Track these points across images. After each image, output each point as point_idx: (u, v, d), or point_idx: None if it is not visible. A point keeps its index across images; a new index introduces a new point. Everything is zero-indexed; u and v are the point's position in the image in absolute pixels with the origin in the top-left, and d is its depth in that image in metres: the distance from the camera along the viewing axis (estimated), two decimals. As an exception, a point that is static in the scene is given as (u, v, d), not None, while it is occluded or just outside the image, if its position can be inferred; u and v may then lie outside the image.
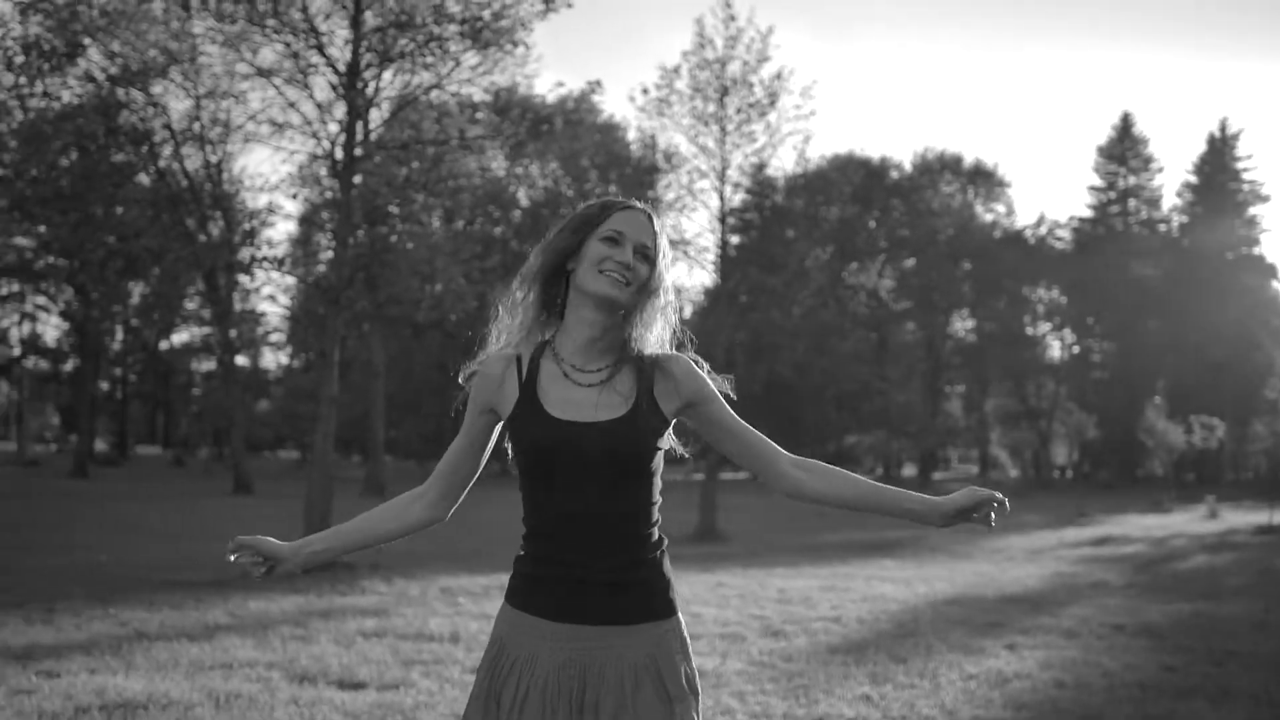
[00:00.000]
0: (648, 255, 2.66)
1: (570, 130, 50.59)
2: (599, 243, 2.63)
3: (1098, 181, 70.41)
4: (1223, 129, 70.61)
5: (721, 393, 2.74)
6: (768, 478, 2.73)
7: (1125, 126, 70.16)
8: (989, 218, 70.43)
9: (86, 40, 16.57)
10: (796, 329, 53.94)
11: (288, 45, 15.36)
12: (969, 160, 70.09)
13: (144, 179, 21.53)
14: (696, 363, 2.74)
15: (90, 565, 14.06)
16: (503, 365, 2.70)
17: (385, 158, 15.93)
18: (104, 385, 67.82)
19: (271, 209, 21.65)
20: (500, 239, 53.57)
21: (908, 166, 69.84)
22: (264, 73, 16.43)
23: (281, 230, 58.02)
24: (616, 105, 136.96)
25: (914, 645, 9.30)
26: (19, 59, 14.30)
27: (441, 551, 17.30)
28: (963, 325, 71.31)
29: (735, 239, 58.95)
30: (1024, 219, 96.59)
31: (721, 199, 26.09)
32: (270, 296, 25.85)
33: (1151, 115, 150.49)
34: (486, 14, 15.39)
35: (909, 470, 78.35)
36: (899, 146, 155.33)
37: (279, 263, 15.19)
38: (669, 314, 2.75)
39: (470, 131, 16.34)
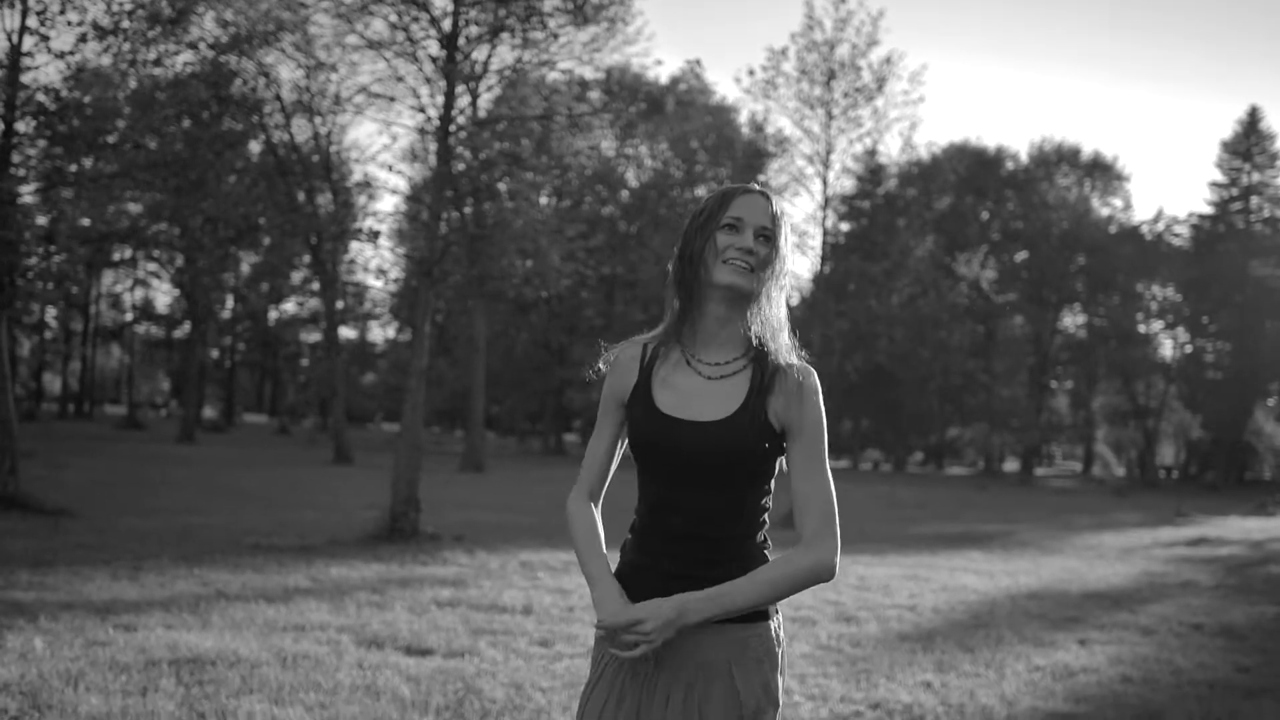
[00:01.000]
0: (768, 237, 2.61)
1: (682, 111, 50.65)
2: (721, 233, 2.60)
3: (1220, 177, 68.24)
4: (1355, 126, 68.17)
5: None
6: None
7: (1252, 121, 67.88)
8: (1105, 212, 68.69)
9: (200, 8, 16.84)
10: (894, 318, 53.34)
11: (399, 16, 15.44)
12: (1087, 152, 68.52)
13: (254, 147, 21.87)
14: (813, 386, 2.61)
15: (183, 527, 14.34)
16: (630, 356, 2.72)
17: (489, 134, 15.95)
18: (213, 353, 69.32)
19: (369, 181, 21.80)
20: (607, 219, 53.65)
21: (1024, 157, 68.57)
22: (374, 45, 16.55)
23: (389, 204, 58.77)
24: (727, 89, 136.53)
25: (985, 636, 9.18)
26: (126, 23, 14.51)
27: (527, 525, 17.38)
28: (1073, 320, 69.80)
29: (845, 226, 58.69)
30: (1141, 214, 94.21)
31: (824, 184, 25.68)
32: (381, 270, 26.02)
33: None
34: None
35: (1010, 465, 77.17)
36: (1015, 136, 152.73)
37: (374, 235, 15.26)
38: (785, 290, 2.68)
39: (577, 109, 16.30)
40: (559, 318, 51.11)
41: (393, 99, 17.76)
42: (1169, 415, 61.30)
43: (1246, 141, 67.80)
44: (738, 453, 2.52)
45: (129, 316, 70.41)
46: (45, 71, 59.32)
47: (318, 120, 26.09)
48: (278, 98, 22.92)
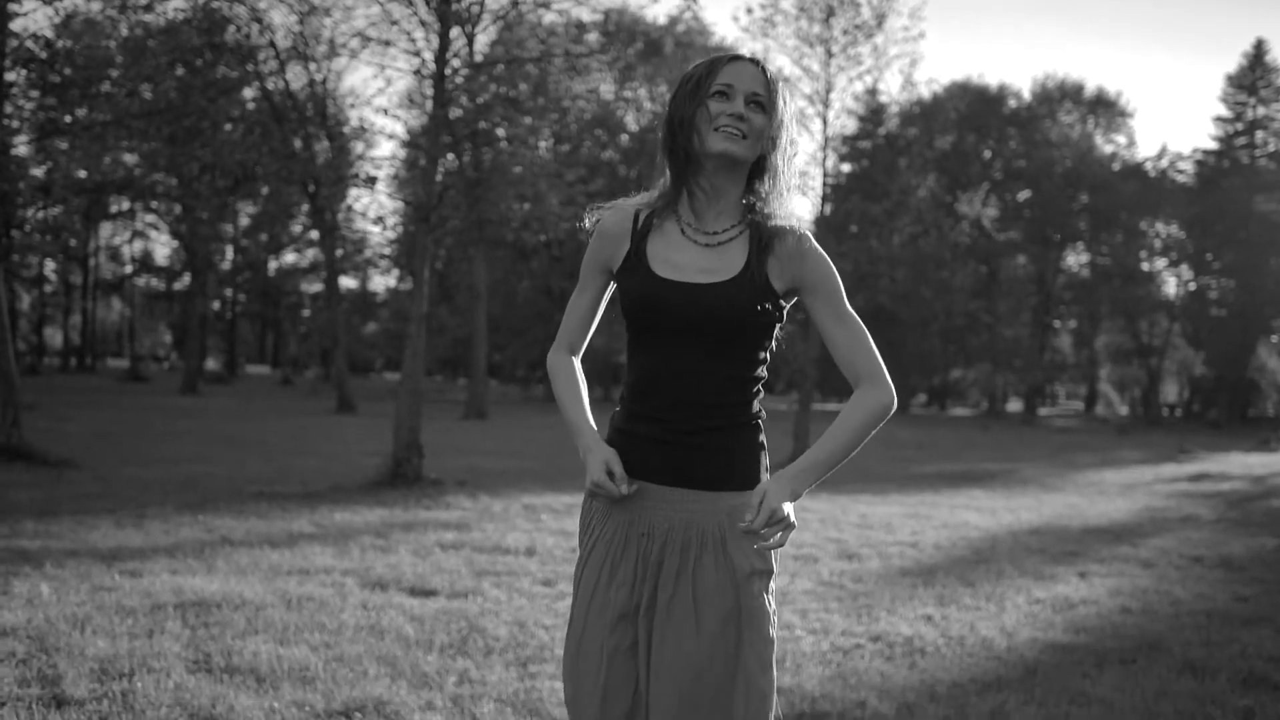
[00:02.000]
0: (761, 104, 2.55)
1: (680, 53, 50.19)
2: (711, 100, 2.54)
3: (1225, 112, 67.65)
4: (1361, 59, 67.43)
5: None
6: None
7: (1258, 54, 67.07)
8: (1108, 149, 68.17)
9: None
10: (896, 258, 53.14)
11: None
12: (1091, 89, 67.98)
13: (249, 94, 21.68)
14: (813, 244, 2.61)
15: (186, 476, 14.37)
16: (621, 222, 2.68)
17: (486, 77, 15.79)
18: (214, 305, 69.28)
19: (364, 126, 21.63)
20: (607, 163, 53.32)
21: (1026, 95, 68.05)
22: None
23: (386, 149, 58.41)
24: (726, 29, 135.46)
25: (986, 571, 9.23)
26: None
27: (530, 470, 17.42)
28: (1076, 259, 69.51)
29: (846, 167, 58.32)
30: (1145, 151, 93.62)
31: (824, 124, 25.47)
32: (379, 219, 25.97)
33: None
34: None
35: (1014, 405, 77.25)
36: (1018, 74, 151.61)
37: (371, 180, 15.16)
38: (794, 168, 2.64)
39: (575, 51, 16.13)
40: (560, 262, 50.88)
41: (388, 43, 17.57)
42: (1172, 353, 61.29)
43: (1252, 75, 67.12)
44: (739, 313, 2.51)
45: (128, 269, 70.35)
46: (34, 19, 58.84)
47: (313, 66, 25.86)
48: (272, 44, 22.68)
